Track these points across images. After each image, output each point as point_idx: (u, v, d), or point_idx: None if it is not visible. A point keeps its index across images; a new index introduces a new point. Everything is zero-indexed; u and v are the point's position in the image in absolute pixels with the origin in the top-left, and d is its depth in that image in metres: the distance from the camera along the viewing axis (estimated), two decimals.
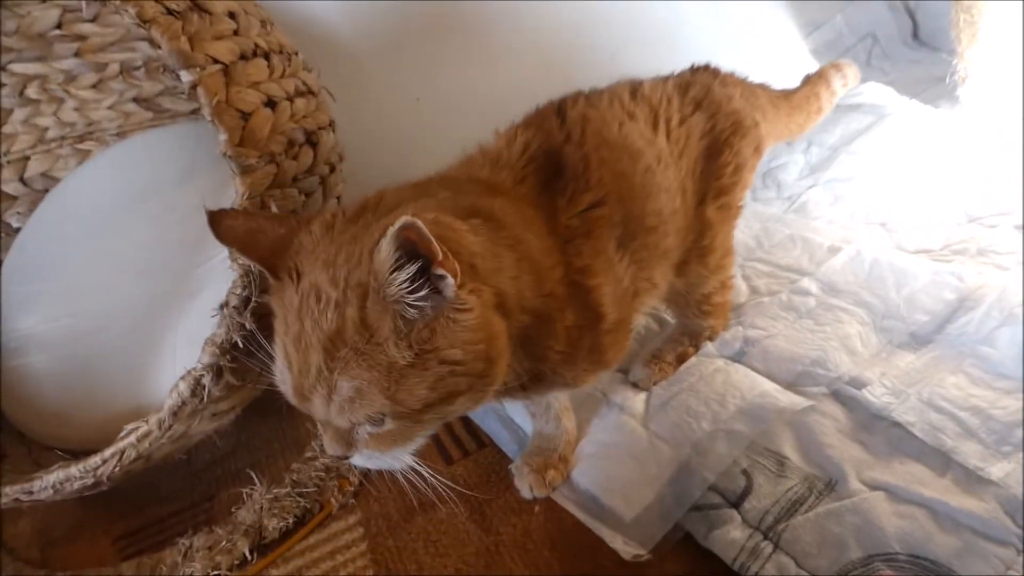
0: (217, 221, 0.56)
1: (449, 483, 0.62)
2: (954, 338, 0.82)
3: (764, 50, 1.46)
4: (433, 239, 0.46)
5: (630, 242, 0.69)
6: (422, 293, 0.48)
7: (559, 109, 0.73)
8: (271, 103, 0.67)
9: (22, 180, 1.06)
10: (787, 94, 1.04)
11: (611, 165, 0.68)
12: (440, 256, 0.47)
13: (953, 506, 0.65)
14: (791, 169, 1.21)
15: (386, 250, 0.46)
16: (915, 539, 0.64)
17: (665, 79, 0.84)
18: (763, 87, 0.98)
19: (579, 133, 0.69)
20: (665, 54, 1.31)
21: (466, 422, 0.92)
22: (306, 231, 0.55)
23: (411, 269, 0.47)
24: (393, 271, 0.47)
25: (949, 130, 1.15)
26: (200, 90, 0.60)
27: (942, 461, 0.71)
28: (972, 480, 0.68)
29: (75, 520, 0.92)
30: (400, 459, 0.58)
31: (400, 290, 0.48)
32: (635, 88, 0.80)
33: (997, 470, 0.68)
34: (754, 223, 1.11)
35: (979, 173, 1.06)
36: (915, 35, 1.54)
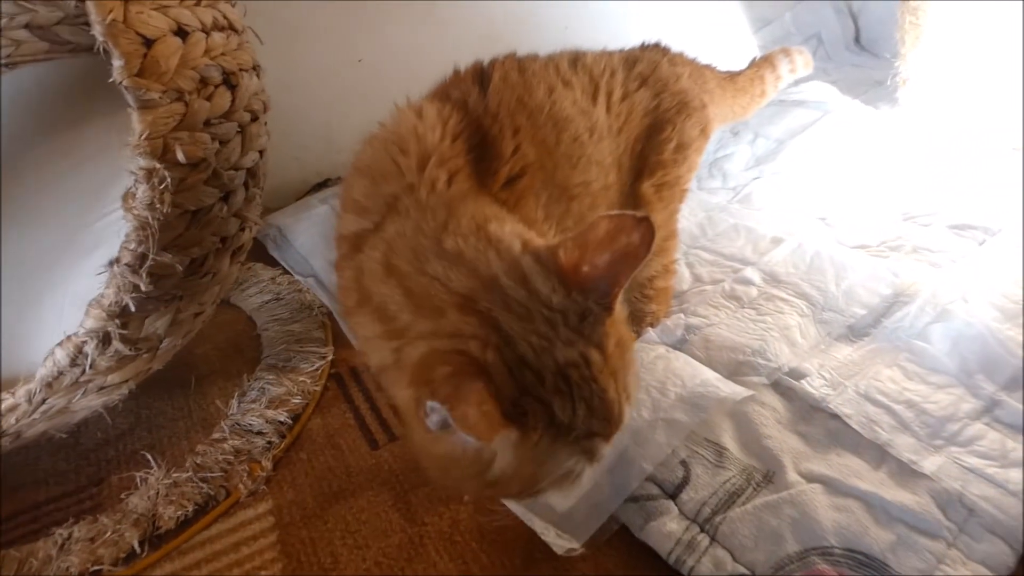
0: (479, 427, 0.45)
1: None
2: (890, 332, 0.83)
3: (714, 42, 1.46)
4: None
5: (554, 209, 0.65)
6: None
7: (481, 75, 0.68)
8: (182, 32, 0.58)
9: None
10: (732, 76, 1.02)
11: (532, 132, 0.64)
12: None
13: (887, 499, 0.65)
14: (737, 160, 1.21)
15: None
16: (851, 533, 0.63)
17: (611, 53, 0.81)
18: (710, 68, 0.97)
19: (496, 101, 0.64)
20: (616, 37, 1.28)
21: (392, 406, 0.86)
22: (491, 367, 0.48)
23: None
24: None
25: (888, 131, 1.18)
26: (90, 5, 0.50)
27: (878, 454, 0.71)
28: (906, 473, 0.68)
29: None
30: None
31: None
32: (577, 57, 0.76)
33: (930, 464, 0.68)
34: (699, 211, 1.10)
35: (915, 173, 1.08)
36: (857, 39, 1.59)
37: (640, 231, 0.45)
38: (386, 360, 0.52)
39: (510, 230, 0.53)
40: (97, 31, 0.51)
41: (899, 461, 0.69)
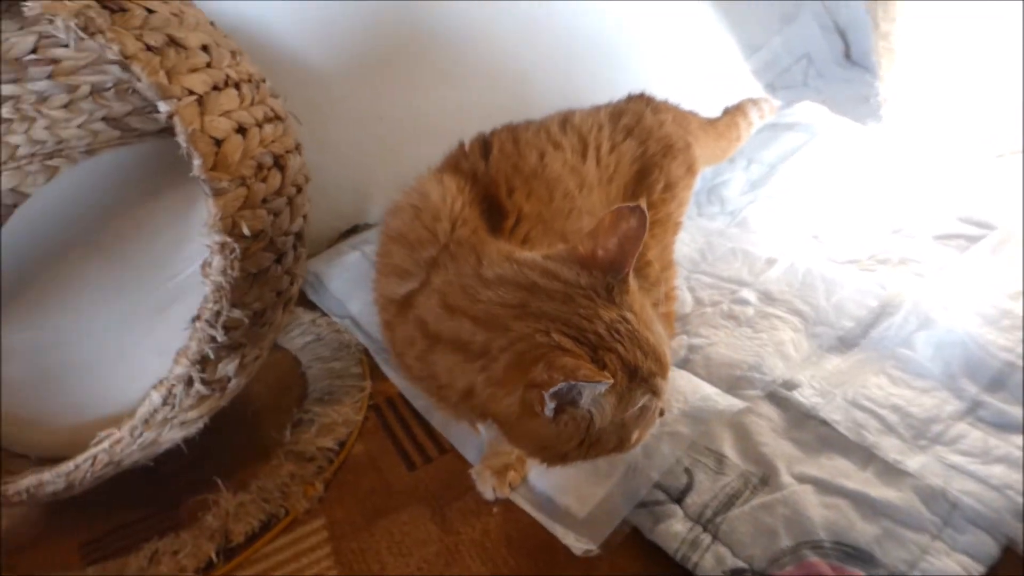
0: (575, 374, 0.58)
1: None
2: (877, 342, 0.88)
3: (707, 71, 1.55)
4: None
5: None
6: None
7: (483, 148, 0.79)
8: (242, 130, 0.71)
9: None
10: (712, 122, 1.12)
11: (527, 192, 0.75)
12: None
13: (874, 496, 0.70)
14: (733, 185, 1.27)
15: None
16: (839, 527, 0.68)
17: (599, 109, 0.91)
18: (693, 113, 1.06)
19: (496, 170, 0.76)
20: (619, 74, 1.39)
21: (429, 429, 0.96)
22: (565, 350, 0.59)
23: None
24: None
25: (874, 147, 1.22)
26: (176, 120, 0.64)
27: (864, 455, 0.76)
28: (891, 472, 0.73)
29: (40, 526, 0.92)
30: None
31: None
32: (566, 118, 0.87)
33: (914, 463, 0.73)
34: (699, 237, 1.16)
35: (901, 187, 1.13)
36: (847, 55, 1.61)
37: (636, 216, 0.57)
38: (473, 380, 0.63)
39: (529, 254, 0.65)
40: (181, 139, 0.64)
41: (885, 462, 0.74)
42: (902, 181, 1.14)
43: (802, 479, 0.75)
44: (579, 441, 0.62)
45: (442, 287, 0.66)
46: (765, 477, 0.77)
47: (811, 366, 0.89)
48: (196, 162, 0.65)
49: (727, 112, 1.17)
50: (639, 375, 0.60)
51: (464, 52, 1.36)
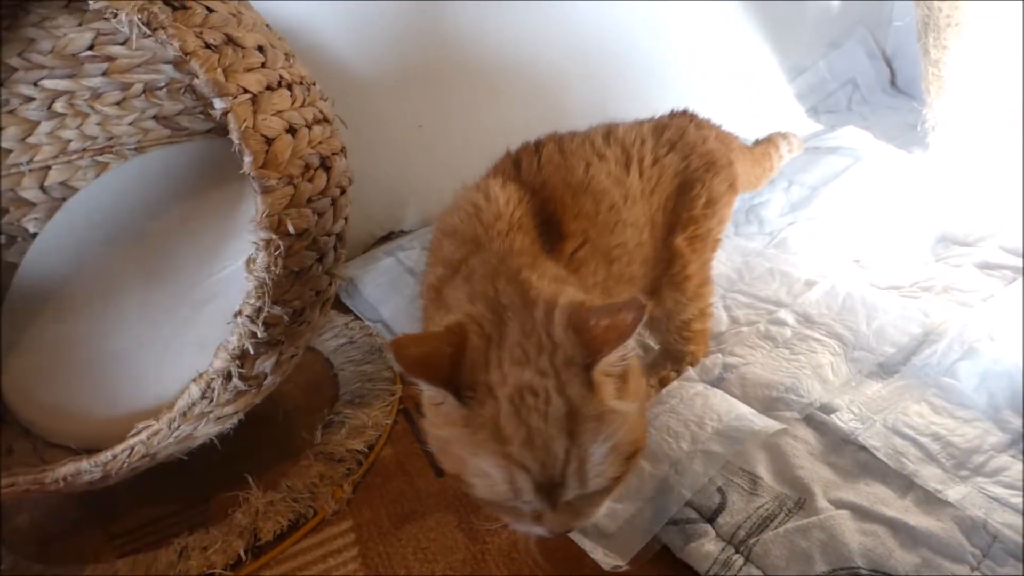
0: (400, 349, 0.55)
1: None
2: (919, 369, 0.87)
3: (749, 92, 1.55)
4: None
5: (601, 274, 0.75)
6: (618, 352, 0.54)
7: (536, 157, 0.79)
8: (292, 130, 0.73)
9: (42, 188, 1.11)
10: (750, 148, 1.12)
11: (579, 208, 0.75)
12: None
13: (913, 525, 0.69)
14: (772, 206, 1.27)
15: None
16: (877, 555, 0.67)
17: (642, 122, 0.91)
18: (734, 136, 1.06)
19: (546, 181, 0.75)
20: (655, 92, 1.39)
21: None
22: (469, 348, 0.57)
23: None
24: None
25: (919, 175, 1.22)
26: (231, 117, 0.65)
27: (904, 483, 0.74)
28: (931, 501, 0.72)
29: (73, 517, 0.94)
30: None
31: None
32: (610, 130, 0.86)
33: (955, 493, 0.72)
34: (736, 256, 1.16)
35: (944, 216, 1.12)
36: (893, 83, 1.62)
37: (634, 312, 0.53)
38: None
39: (549, 290, 0.62)
40: (234, 136, 0.65)
41: (925, 490, 0.73)
42: (946, 209, 1.13)
43: (839, 504, 0.74)
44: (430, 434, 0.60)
45: (471, 270, 0.66)
46: (801, 501, 0.75)
47: (850, 391, 0.88)
48: (247, 159, 0.66)
49: (759, 143, 1.18)
50: (504, 452, 0.53)
51: (505, 66, 1.38)
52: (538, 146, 0.81)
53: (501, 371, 0.55)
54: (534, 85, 1.39)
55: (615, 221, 0.76)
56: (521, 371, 0.55)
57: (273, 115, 0.69)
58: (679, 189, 0.86)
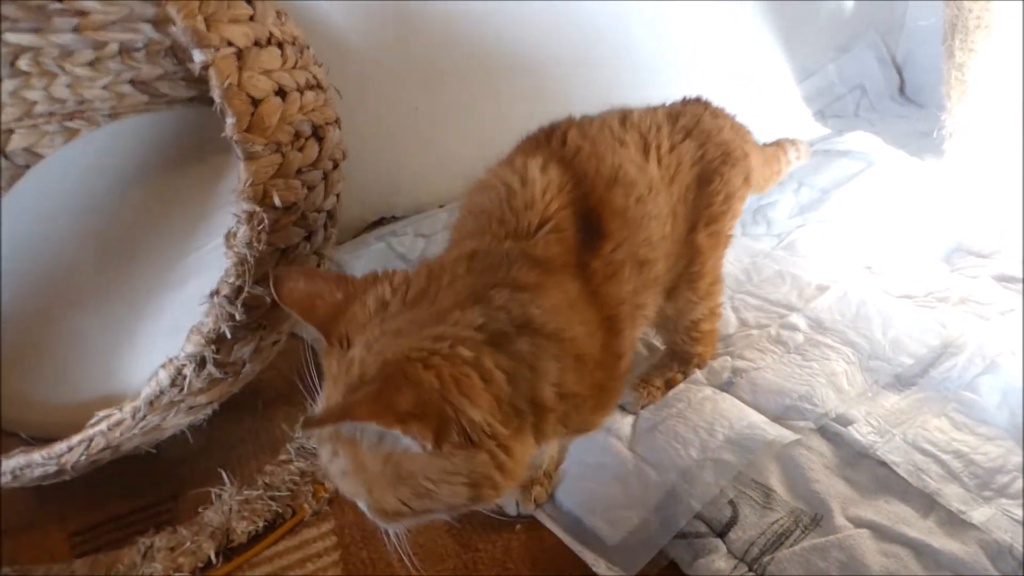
0: (280, 282, 0.56)
1: None
2: (938, 382, 0.84)
3: (757, 92, 1.51)
4: (395, 412, 0.47)
5: (635, 280, 0.69)
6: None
7: (563, 140, 0.72)
8: (282, 92, 0.66)
9: (3, 153, 1.02)
10: (762, 146, 1.07)
11: (614, 202, 0.68)
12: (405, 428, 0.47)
13: (937, 548, 0.66)
14: (781, 208, 1.24)
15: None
16: None
17: (655, 109, 0.85)
18: (748, 129, 1.00)
19: (582, 169, 0.68)
20: (661, 90, 1.34)
21: None
22: (361, 303, 0.56)
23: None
24: None
25: (934, 182, 1.19)
26: (212, 71, 0.58)
27: (925, 502, 0.72)
28: (955, 523, 0.69)
29: (29, 511, 0.86)
30: None
31: None
32: (625, 116, 0.80)
33: (979, 514, 0.69)
34: (744, 257, 1.12)
35: (958, 225, 1.09)
36: (902, 91, 1.60)
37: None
38: None
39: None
40: (215, 93, 0.58)
41: (947, 511, 0.70)
42: (962, 219, 1.11)
43: (858, 523, 0.71)
44: None
45: (476, 248, 0.61)
46: (817, 517, 0.72)
47: (866, 402, 0.84)
48: (229, 120, 0.59)
49: (767, 147, 1.13)
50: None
51: (504, 53, 1.33)
52: (565, 130, 0.74)
53: (359, 338, 0.54)
54: (535, 77, 1.35)
55: (642, 215, 0.70)
56: (363, 350, 0.53)
57: (261, 73, 0.63)
58: (697, 181, 0.81)
